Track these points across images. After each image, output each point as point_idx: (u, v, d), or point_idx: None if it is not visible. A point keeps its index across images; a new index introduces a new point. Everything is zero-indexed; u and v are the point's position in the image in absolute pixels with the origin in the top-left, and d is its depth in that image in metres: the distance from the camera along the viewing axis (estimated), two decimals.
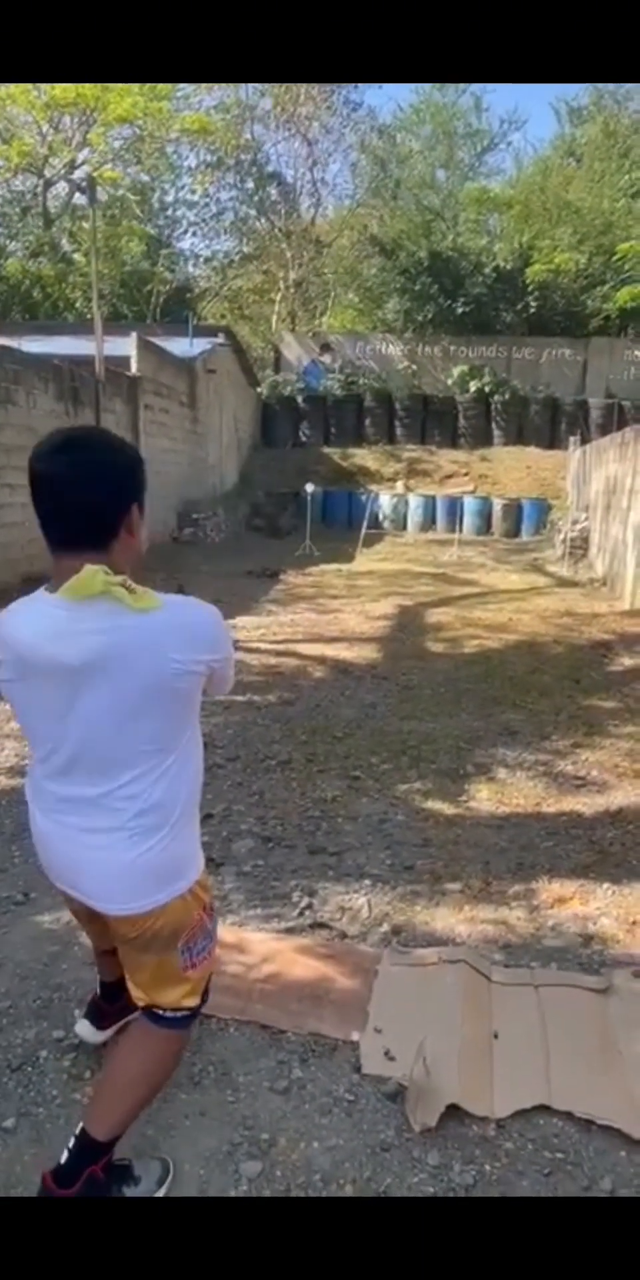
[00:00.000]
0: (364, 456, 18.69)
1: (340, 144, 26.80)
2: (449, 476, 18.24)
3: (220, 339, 17.14)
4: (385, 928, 2.98)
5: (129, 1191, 1.84)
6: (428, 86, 24.86)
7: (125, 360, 11.71)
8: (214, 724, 5.01)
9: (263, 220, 26.83)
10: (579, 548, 13.03)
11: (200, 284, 26.86)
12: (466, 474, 18.19)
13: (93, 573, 1.56)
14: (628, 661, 6.88)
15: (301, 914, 3.05)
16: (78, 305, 21.27)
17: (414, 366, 20.59)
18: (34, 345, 11.32)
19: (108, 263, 21.05)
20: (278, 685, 6.01)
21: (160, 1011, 1.83)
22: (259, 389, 19.67)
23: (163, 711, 1.65)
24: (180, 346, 14.53)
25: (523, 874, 3.40)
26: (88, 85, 17.77)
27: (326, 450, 18.83)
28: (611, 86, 23.49)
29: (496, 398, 18.73)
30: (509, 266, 21.33)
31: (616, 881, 3.34)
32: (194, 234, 27.01)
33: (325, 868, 3.41)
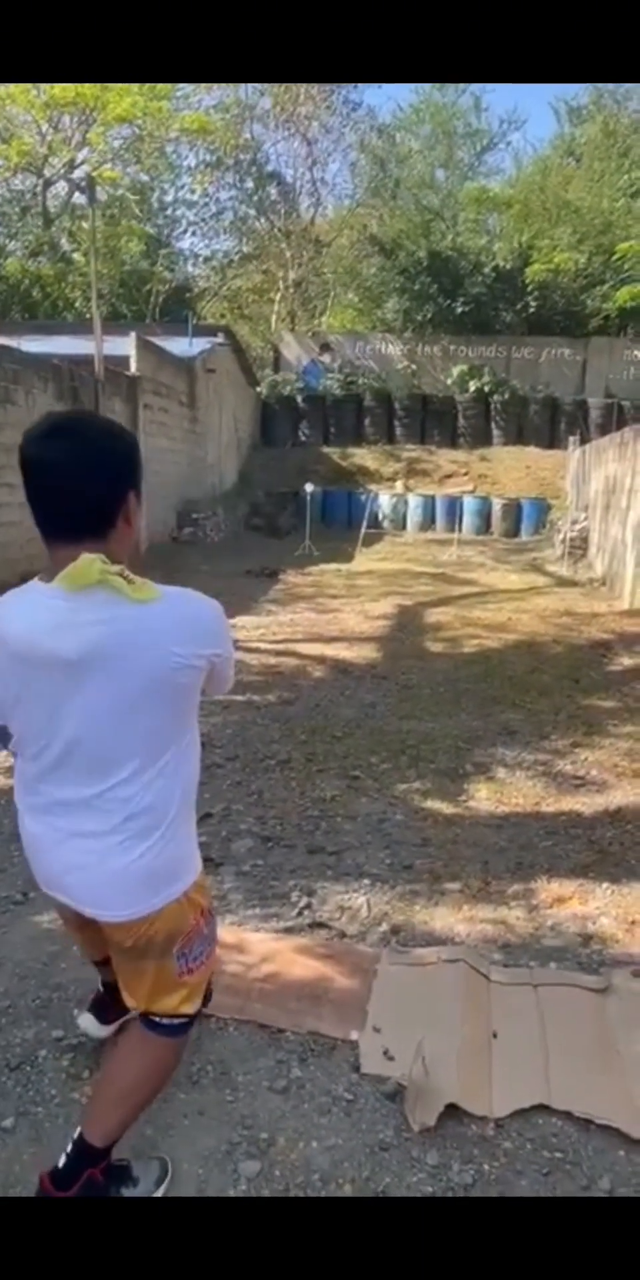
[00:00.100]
0: (363, 456, 18.69)
1: (340, 144, 26.82)
2: (448, 476, 18.23)
3: (220, 339, 17.13)
4: (384, 927, 2.98)
5: (127, 1192, 1.84)
6: (427, 86, 24.88)
7: (124, 360, 11.70)
8: (213, 723, 5.01)
9: (262, 220, 26.83)
10: (578, 547, 13.03)
11: (199, 284, 26.84)
12: (466, 474, 18.19)
13: (89, 561, 1.51)
14: (627, 661, 6.88)
15: (300, 913, 3.05)
16: (77, 305, 21.26)
17: (413, 366, 20.58)
18: (33, 345, 11.31)
19: (107, 262, 21.05)
20: (277, 685, 6.01)
21: (157, 1019, 1.79)
22: (258, 389, 19.66)
23: (161, 707, 1.60)
24: (180, 346, 14.53)
25: (522, 873, 3.40)
26: (87, 85, 17.75)
27: (326, 450, 18.82)
28: (611, 86, 23.50)
29: (496, 397, 18.72)
30: (508, 266, 21.32)
31: (616, 881, 3.34)
32: (193, 233, 27.06)
33: (324, 867, 3.41)
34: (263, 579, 11.05)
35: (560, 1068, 2.25)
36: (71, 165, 21.85)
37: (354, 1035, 2.37)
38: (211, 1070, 2.26)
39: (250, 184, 26.14)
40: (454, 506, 16.38)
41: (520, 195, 23.65)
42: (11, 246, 23.18)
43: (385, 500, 17.09)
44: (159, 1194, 1.88)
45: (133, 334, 12.26)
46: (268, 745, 4.76)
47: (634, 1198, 1.92)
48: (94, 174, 16.49)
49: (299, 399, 19.43)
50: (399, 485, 17.83)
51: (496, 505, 16.70)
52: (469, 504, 16.67)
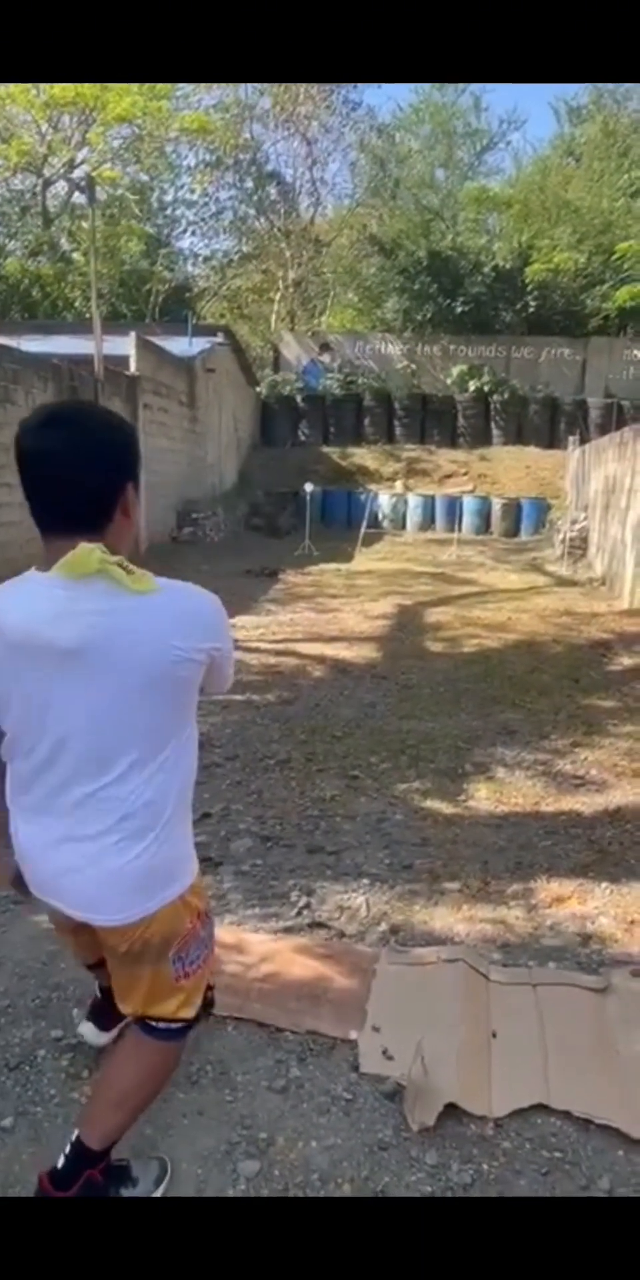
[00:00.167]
0: (363, 456, 18.69)
1: (339, 143, 26.82)
2: (448, 476, 18.23)
3: (219, 338, 17.13)
4: (383, 927, 2.99)
5: (127, 1192, 1.84)
6: (427, 86, 24.89)
7: (124, 359, 11.70)
8: (212, 723, 5.01)
9: (262, 219, 26.83)
10: (578, 547, 13.03)
11: (199, 283, 26.84)
12: (466, 473, 18.19)
13: (89, 550, 1.48)
14: (627, 661, 6.89)
15: (300, 913, 3.05)
16: (77, 304, 21.25)
17: (413, 366, 20.58)
18: (33, 344, 11.31)
19: (107, 262, 21.04)
20: (277, 684, 6.01)
21: (154, 1023, 1.76)
22: (258, 388, 19.66)
23: (160, 701, 1.57)
24: (179, 346, 14.52)
25: (521, 873, 3.40)
26: (87, 85, 17.74)
27: (326, 450, 18.82)
28: (611, 86, 23.50)
29: (496, 397, 18.72)
30: (508, 266, 21.33)
31: (615, 881, 3.34)
32: (193, 233, 27.07)
33: (324, 867, 3.41)
34: (262, 579, 11.05)
35: (559, 1067, 2.25)
36: (71, 165, 21.84)
37: (353, 1035, 2.37)
38: (211, 1070, 2.26)
39: (250, 184, 26.15)
40: (454, 506, 16.38)
41: (520, 195, 23.65)
42: (11, 246, 23.18)
43: (385, 500, 17.09)
44: (158, 1194, 1.88)
45: (132, 334, 12.25)
46: (267, 745, 4.76)
47: (633, 1198, 1.92)
48: (94, 174, 16.50)
49: (299, 399, 19.43)
50: (399, 485, 17.83)
51: (496, 505, 16.70)
52: (469, 504, 16.67)
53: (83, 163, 21.63)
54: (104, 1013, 2.24)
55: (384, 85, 27.48)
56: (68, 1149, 1.76)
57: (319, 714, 5.36)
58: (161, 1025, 1.76)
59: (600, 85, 23.49)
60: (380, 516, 16.75)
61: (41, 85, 18.33)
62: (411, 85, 25.72)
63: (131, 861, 1.60)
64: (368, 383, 19.59)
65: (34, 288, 21.15)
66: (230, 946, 2.75)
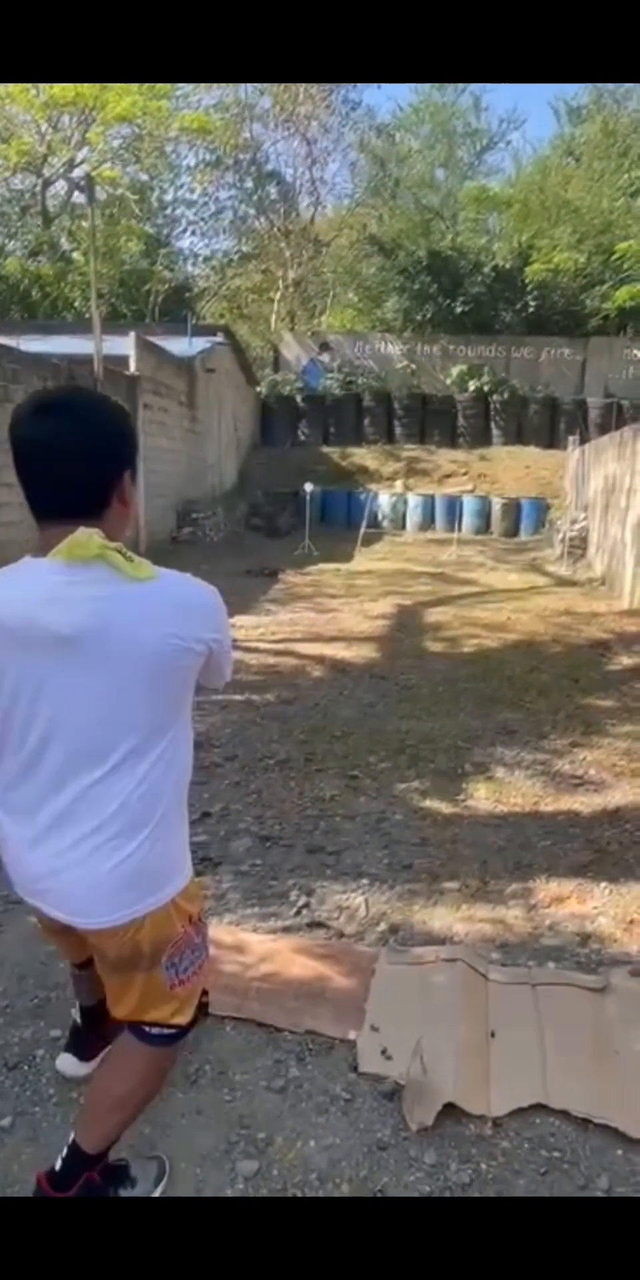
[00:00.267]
0: (363, 456, 18.69)
1: (339, 143, 26.84)
2: (448, 476, 18.23)
3: (219, 338, 17.13)
4: (383, 926, 2.99)
5: (125, 1192, 1.84)
6: (427, 86, 24.90)
7: (124, 359, 11.70)
8: (212, 723, 5.01)
9: (262, 219, 26.83)
10: (578, 547, 13.02)
11: (199, 283, 26.84)
12: (465, 473, 18.19)
13: (89, 534, 1.45)
14: (626, 661, 6.89)
15: (299, 913, 3.05)
16: (76, 304, 21.24)
17: (413, 366, 20.57)
18: (33, 344, 11.31)
19: (106, 262, 21.02)
20: (276, 684, 6.01)
21: (147, 1029, 1.72)
22: (258, 388, 19.66)
23: (157, 692, 1.53)
24: (179, 346, 14.52)
25: (520, 873, 3.40)
26: (87, 85, 17.74)
27: (325, 450, 18.82)
28: (611, 86, 23.49)
29: (495, 397, 18.72)
30: (508, 266, 21.33)
31: (614, 880, 3.34)
32: (193, 233, 27.11)
33: (323, 867, 3.41)
34: (262, 579, 11.05)
35: (558, 1067, 2.25)
36: (71, 165, 21.82)
37: (352, 1034, 2.37)
38: (209, 1070, 2.26)
39: (250, 183, 26.16)
40: (453, 506, 16.38)
41: (520, 195, 23.67)
42: (11, 246, 23.18)
43: (385, 500, 17.09)
44: (157, 1194, 1.88)
45: (132, 333, 12.25)
46: (267, 745, 4.76)
47: (632, 1197, 1.92)
48: (93, 173, 16.46)
49: (298, 399, 19.43)
50: (398, 485, 17.83)
51: (496, 505, 16.70)
52: (468, 504, 16.67)
53: (82, 162, 21.62)
54: (84, 1041, 2.17)
55: (384, 85, 27.48)
56: (65, 1152, 1.76)
57: (318, 714, 5.36)
58: (155, 1031, 1.72)
59: (600, 85, 23.50)
60: (380, 516, 16.75)
61: (41, 85, 18.33)
62: (411, 85, 25.78)
63: (123, 861, 1.55)
64: (367, 383, 19.60)
65: (34, 288, 21.14)
66: (229, 946, 2.75)
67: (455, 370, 19.75)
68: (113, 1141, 1.79)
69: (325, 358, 20.66)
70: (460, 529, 15.75)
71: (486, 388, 18.82)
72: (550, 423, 18.75)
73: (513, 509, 16.63)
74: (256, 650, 7.05)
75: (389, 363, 20.91)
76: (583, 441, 15.71)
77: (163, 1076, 1.85)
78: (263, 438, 19.66)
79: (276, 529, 15.49)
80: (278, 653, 7.00)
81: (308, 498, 14.43)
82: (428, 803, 4.07)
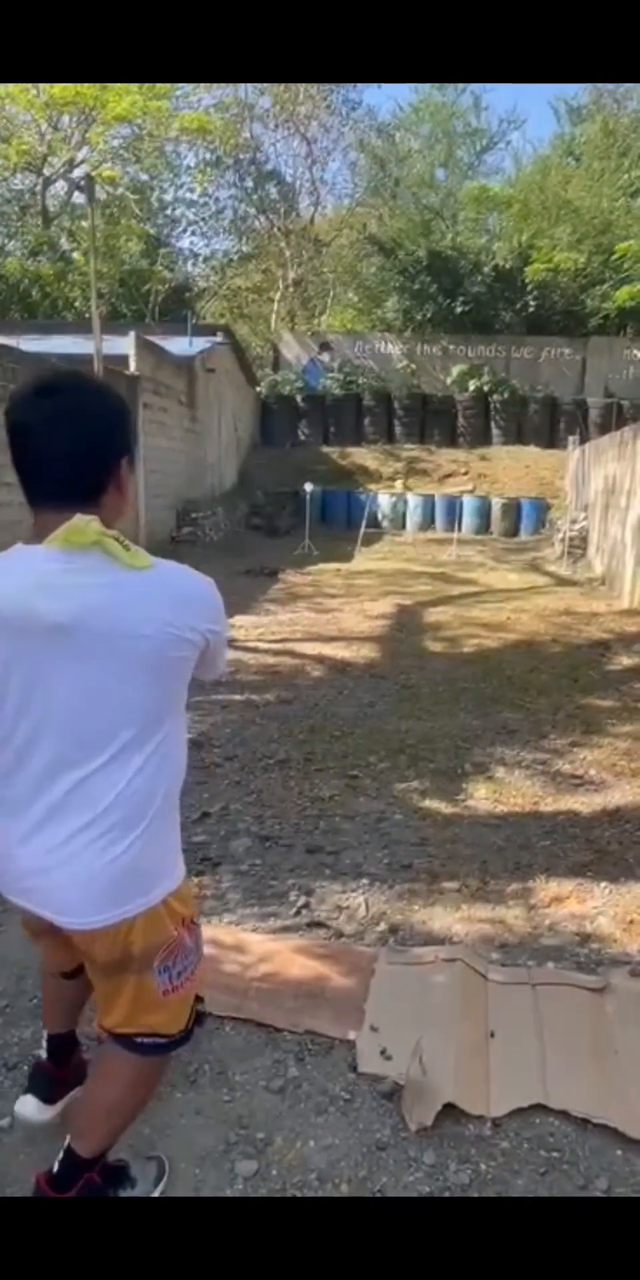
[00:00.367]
0: (363, 456, 18.69)
1: (339, 143, 26.84)
2: (448, 476, 18.23)
3: (219, 338, 17.12)
4: (382, 927, 2.99)
5: (125, 1192, 1.84)
6: (427, 86, 24.89)
7: (124, 359, 11.69)
8: (212, 723, 5.01)
9: (262, 219, 26.83)
10: (578, 547, 13.03)
11: (199, 283, 26.83)
12: (465, 473, 18.19)
13: (86, 521, 1.43)
14: (626, 660, 6.89)
15: (298, 913, 3.05)
16: (77, 304, 21.24)
17: (413, 366, 20.58)
18: (33, 344, 11.32)
19: (106, 262, 21.02)
20: (276, 684, 6.01)
21: (138, 1040, 1.66)
22: (258, 388, 19.65)
23: (153, 682, 1.50)
24: (179, 345, 14.51)
25: (520, 873, 3.40)
26: (87, 85, 17.74)
27: (325, 449, 18.82)
28: (611, 86, 23.51)
29: (495, 397, 18.72)
30: (508, 266, 21.33)
31: (614, 880, 3.34)
32: (193, 233, 27.02)
33: (322, 867, 3.41)
34: (262, 578, 11.05)
35: (558, 1067, 2.25)
36: (71, 164, 21.84)
37: (351, 1035, 2.37)
38: (209, 1070, 2.26)
39: (250, 183, 26.16)
40: (453, 506, 16.38)
41: (520, 195, 23.67)
42: (11, 246, 23.17)
43: (385, 500, 17.09)
44: (156, 1194, 1.88)
45: (132, 333, 12.24)
46: (266, 745, 4.76)
47: (631, 1198, 1.92)
48: (93, 173, 16.46)
49: (298, 398, 19.42)
50: (398, 485, 17.83)
51: (496, 505, 16.71)
52: (468, 503, 16.67)
53: (82, 162, 21.63)
54: (49, 1082, 2.02)
55: (384, 85, 27.47)
56: (61, 1155, 1.75)
57: (318, 714, 5.36)
58: (147, 1041, 1.67)
59: (600, 85, 23.52)
60: (380, 516, 16.75)
61: (42, 85, 18.33)
62: (411, 85, 25.77)
63: (116, 859, 1.51)
64: (368, 382, 19.59)
65: (34, 287, 21.13)
66: (229, 946, 2.75)
67: (455, 370, 19.75)
68: (108, 1146, 1.78)
69: (325, 357, 20.66)
70: (460, 529, 15.76)
71: (486, 388, 18.82)
72: (550, 423, 18.75)
73: (513, 509, 16.63)
74: (256, 650, 7.05)
75: (389, 363, 20.91)
76: (583, 441, 15.71)
77: (155, 1082, 1.82)
78: (263, 438, 19.65)
79: (276, 529, 15.49)
80: (277, 652, 7.00)
81: (308, 498, 14.43)
82: (427, 802, 4.08)
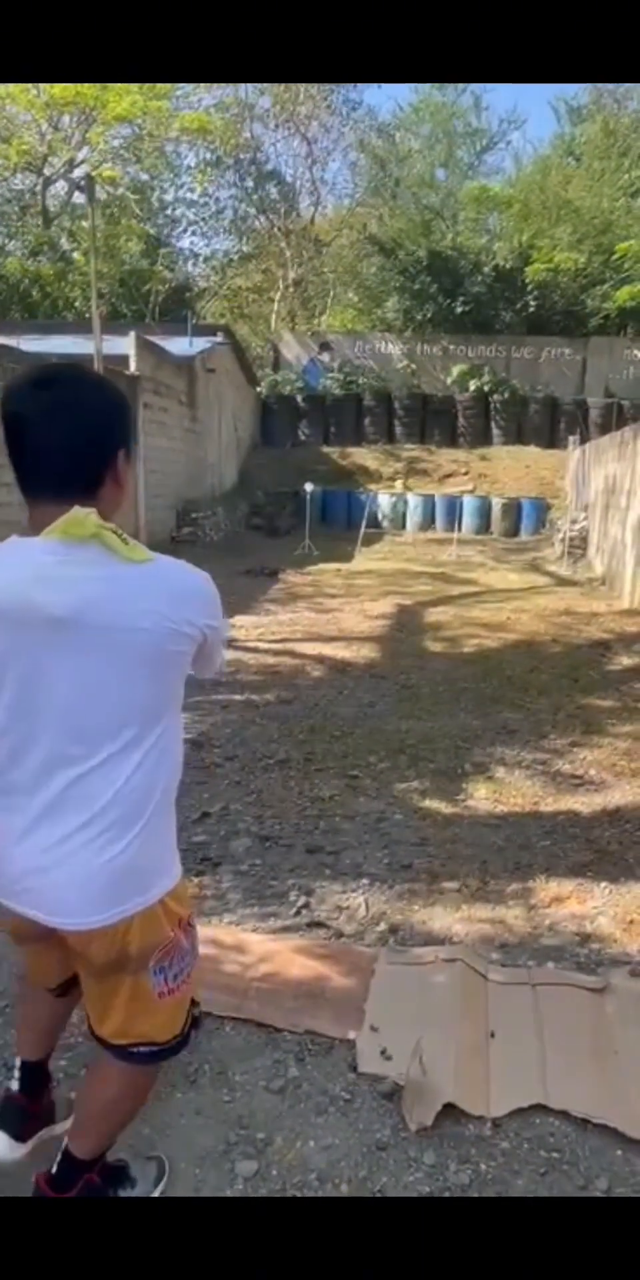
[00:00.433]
0: (363, 456, 18.69)
1: (339, 143, 26.88)
2: (448, 476, 18.23)
3: (219, 338, 17.12)
4: (382, 927, 2.98)
5: (125, 1192, 1.84)
6: (427, 86, 24.90)
7: (124, 359, 11.69)
8: (212, 723, 5.01)
9: (262, 219, 26.84)
10: (578, 547, 13.04)
11: (199, 283, 26.84)
12: (466, 473, 18.19)
13: (85, 513, 1.41)
14: (626, 660, 6.89)
15: (298, 913, 3.05)
16: (77, 304, 21.25)
17: (413, 366, 20.58)
18: (33, 344, 11.33)
19: (107, 262, 21.03)
20: (276, 684, 6.01)
21: (134, 1049, 1.63)
22: (258, 388, 19.66)
23: (152, 677, 1.47)
24: (179, 345, 14.51)
25: (520, 873, 3.40)
26: (87, 85, 17.74)
27: (326, 449, 18.81)
28: (611, 86, 23.52)
29: (496, 397, 18.73)
30: (508, 266, 21.33)
31: (614, 880, 3.34)
32: (193, 233, 27.02)
33: (322, 867, 3.41)
34: (262, 578, 11.05)
35: (558, 1067, 2.25)
36: (71, 164, 21.85)
37: (351, 1035, 2.37)
38: (209, 1070, 2.26)
39: (250, 183, 26.17)
40: (454, 506, 16.38)
41: (520, 195, 23.67)
42: (11, 246, 23.17)
43: (385, 500, 17.09)
44: (156, 1194, 1.88)
45: (132, 333, 12.25)
46: (266, 745, 4.76)
47: (631, 1198, 1.92)
48: (94, 173, 16.48)
49: (299, 398, 19.43)
50: (399, 485, 17.83)
51: (496, 505, 16.71)
52: (469, 504, 16.67)
53: (83, 162, 21.64)
54: (21, 1115, 1.93)
55: (384, 85, 27.48)
56: (59, 1157, 1.75)
57: (318, 714, 5.36)
58: (143, 1050, 1.64)
59: (600, 85, 23.53)
60: (380, 516, 16.75)
61: (42, 85, 18.33)
62: (412, 85, 25.78)
63: (115, 857, 1.48)
64: (368, 382, 19.59)
65: (34, 287, 21.14)
66: (229, 946, 2.75)
67: (455, 370, 19.75)
68: (107, 1147, 1.78)
69: (325, 357, 20.66)
70: (460, 529, 15.76)
71: (487, 388, 18.82)
72: (550, 423, 18.75)
73: (513, 509, 16.63)
74: (256, 650, 7.04)
75: (389, 363, 20.91)
76: (583, 441, 15.71)
77: (150, 1086, 1.81)
78: (263, 438, 19.65)
79: (276, 529, 15.50)
80: (277, 653, 6.99)
81: (308, 498, 14.43)
82: (427, 802, 4.07)
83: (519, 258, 21.25)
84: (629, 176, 22.74)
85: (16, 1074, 1.96)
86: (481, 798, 4.15)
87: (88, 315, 13.96)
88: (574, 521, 13.49)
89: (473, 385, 18.91)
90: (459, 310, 21.32)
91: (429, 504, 16.96)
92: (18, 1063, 1.96)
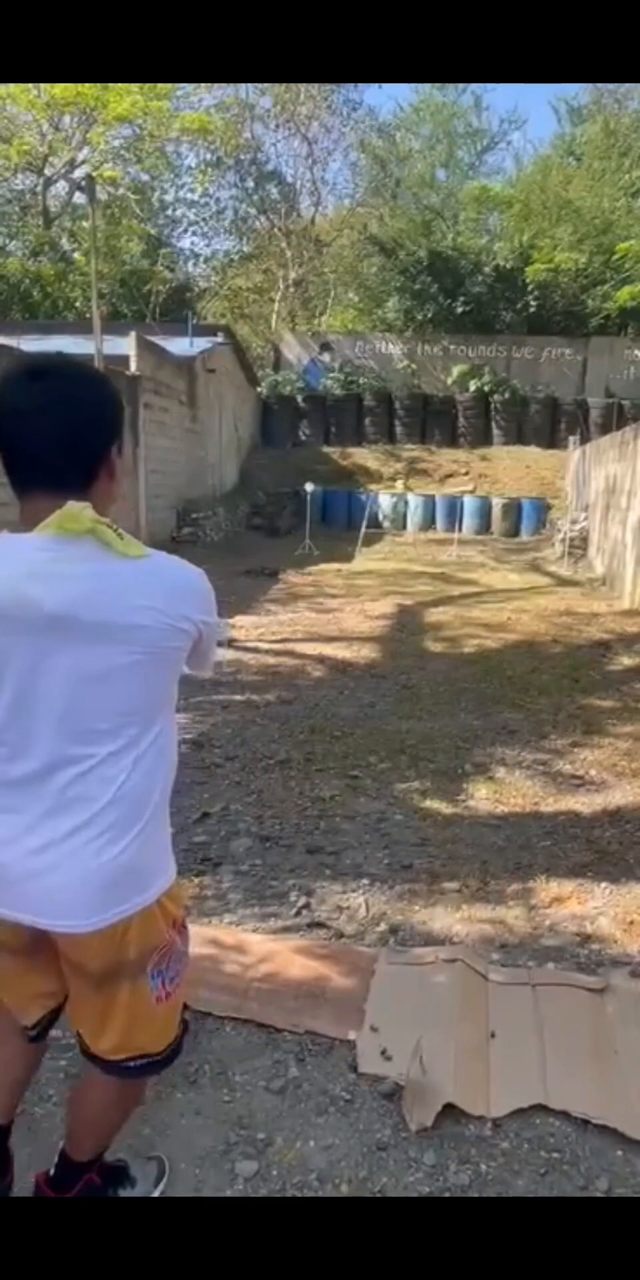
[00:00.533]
0: (364, 456, 18.69)
1: (340, 143, 26.88)
2: (449, 476, 18.23)
3: (220, 338, 17.12)
4: (382, 927, 2.98)
5: (125, 1193, 1.84)
6: (428, 86, 24.95)
7: (124, 359, 11.70)
8: (212, 723, 5.01)
9: (262, 219, 26.84)
10: (578, 547, 13.04)
11: (200, 283, 26.83)
12: (466, 473, 18.19)
13: (80, 507, 1.38)
14: (627, 661, 6.89)
15: (299, 913, 3.05)
16: (77, 304, 21.24)
17: (414, 366, 20.58)
18: (33, 344, 11.31)
19: (107, 262, 21.03)
20: (276, 684, 6.01)
21: (130, 1064, 1.60)
22: (259, 388, 19.66)
23: (148, 674, 1.45)
24: (180, 346, 14.52)
25: (520, 873, 3.40)
26: (88, 85, 17.75)
27: (326, 450, 18.82)
28: (611, 86, 23.54)
29: (496, 397, 18.74)
30: (509, 266, 21.32)
31: (614, 881, 3.34)
32: (194, 233, 26.99)
33: (323, 867, 3.41)
34: (262, 579, 11.05)
35: (558, 1068, 2.25)
36: (72, 165, 21.85)
37: (352, 1035, 2.37)
38: (209, 1070, 2.26)
39: (251, 183, 26.17)
40: (454, 506, 16.39)
41: (521, 195, 23.68)
42: (12, 246, 23.18)
43: (385, 500, 17.09)
44: (157, 1194, 1.88)
45: (133, 333, 12.25)
46: (267, 745, 4.76)
47: (632, 1198, 1.92)
48: (94, 173, 16.49)
49: (299, 399, 19.43)
50: (399, 485, 17.83)
51: (496, 505, 16.72)
52: (469, 504, 16.68)
53: (83, 162, 21.63)
54: None
55: (385, 85, 27.47)
56: (56, 1160, 1.75)
57: (318, 714, 5.36)
58: (137, 1063, 1.61)
59: (601, 85, 23.56)
60: (380, 516, 16.75)
61: (43, 85, 18.34)
62: (412, 85, 25.80)
63: (116, 856, 1.45)
64: (368, 383, 19.60)
65: (35, 288, 21.14)
66: (229, 946, 2.75)
67: (456, 370, 19.75)
68: (103, 1149, 1.78)
69: (326, 358, 20.66)
70: (461, 529, 15.76)
71: (487, 388, 18.83)
72: (551, 423, 18.76)
73: (513, 509, 16.64)
74: (257, 650, 7.04)
75: (390, 363, 20.91)
76: (583, 442, 15.72)
77: (142, 1089, 1.80)
78: (263, 438, 19.66)
79: (277, 529, 15.50)
80: (278, 653, 6.99)
81: (308, 498, 14.44)
82: (428, 803, 4.07)
83: (519, 258, 21.24)
84: (629, 176, 22.74)
85: None
86: (482, 798, 4.15)
87: (88, 315, 13.96)
88: (574, 522, 13.50)
89: (473, 385, 18.91)
90: (459, 310, 21.31)
91: (429, 504, 16.96)
92: None
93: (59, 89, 18.61)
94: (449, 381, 19.71)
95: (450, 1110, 2.10)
